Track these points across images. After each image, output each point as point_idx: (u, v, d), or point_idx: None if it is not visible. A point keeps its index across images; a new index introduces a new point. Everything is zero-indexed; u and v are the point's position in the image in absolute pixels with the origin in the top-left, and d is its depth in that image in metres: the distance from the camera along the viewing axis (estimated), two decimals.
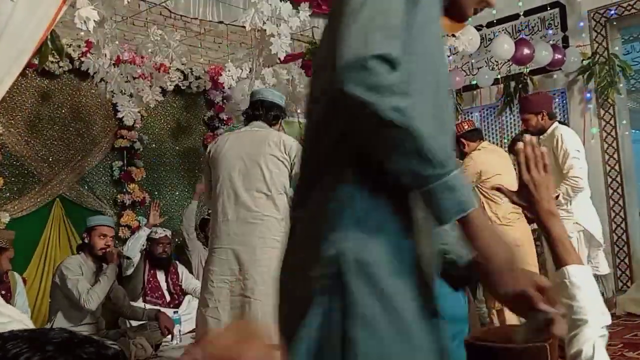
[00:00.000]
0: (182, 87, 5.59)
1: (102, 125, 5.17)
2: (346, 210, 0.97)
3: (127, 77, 4.30)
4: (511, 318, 3.28)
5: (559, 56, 5.34)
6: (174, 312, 4.34)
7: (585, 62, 5.50)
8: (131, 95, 4.52)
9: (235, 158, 2.83)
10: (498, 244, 0.92)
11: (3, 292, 3.56)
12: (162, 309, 4.41)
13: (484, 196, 3.56)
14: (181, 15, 5.75)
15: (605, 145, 5.45)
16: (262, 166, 2.79)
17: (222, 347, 0.76)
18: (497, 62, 6.24)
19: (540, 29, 5.94)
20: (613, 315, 4.03)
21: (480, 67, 6.34)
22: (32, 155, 4.74)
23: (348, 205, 0.97)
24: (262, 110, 2.92)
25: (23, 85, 4.71)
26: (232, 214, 2.79)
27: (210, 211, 3.46)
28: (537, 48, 5.21)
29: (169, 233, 4.75)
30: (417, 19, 0.97)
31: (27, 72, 4.58)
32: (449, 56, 4.19)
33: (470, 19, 1.21)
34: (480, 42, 5.19)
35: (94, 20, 2.68)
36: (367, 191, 0.97)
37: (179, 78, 5.50)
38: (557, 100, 5.76)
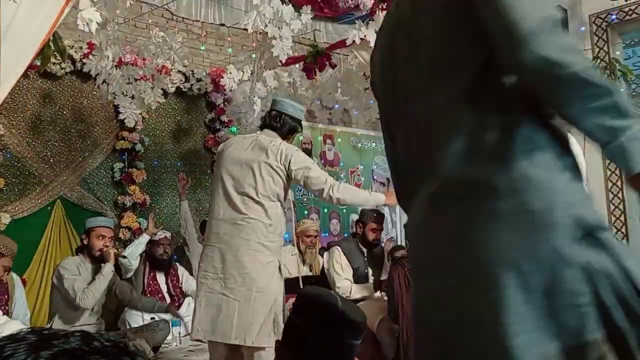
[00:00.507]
0: (184, 89, 5.59)
1: (103, 127, 5.17)
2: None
3: (128, 79, 4.31)
4: None
5: None
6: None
7: None
8: (133, 97, 4.53)
9: (233, 161, 2.90)
10: None
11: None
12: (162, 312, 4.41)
13: None
14: (183, 18, 5.76)
15: None
16: (255, 172, 2.83)
17: None
18: None
19: None
20: None
21: None
22: (33, 156, 4.75)
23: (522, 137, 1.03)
24: (280, 123, 2.98)
25: (25, 86, 4.72)
26: (222, 214, 2.84)
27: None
28: None
29: (168, 234, 4.75)
30: None
31: (29, 73, 4.59)
32: None
33: None
34: None
35: (97, 22, 2.68)
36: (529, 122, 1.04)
37: (181, 80, 5.51)
38: None
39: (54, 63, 4.62)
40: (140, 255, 4.58)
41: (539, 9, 0.97)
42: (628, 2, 5.28)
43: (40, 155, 4.79)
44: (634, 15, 5.40)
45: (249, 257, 2.77)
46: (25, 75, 3.97)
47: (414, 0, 1.19)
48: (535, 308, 0.95)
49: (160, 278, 4.67)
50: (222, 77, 5.00)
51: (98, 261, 3.77)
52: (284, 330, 1.72)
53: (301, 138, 6.68)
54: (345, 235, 6.28)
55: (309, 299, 1.74)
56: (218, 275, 2.78)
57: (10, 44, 2.30)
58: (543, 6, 0.98)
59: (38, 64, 4.11)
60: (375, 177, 7.63)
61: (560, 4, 5.79)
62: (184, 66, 5.42)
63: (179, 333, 4.18)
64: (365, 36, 3.62)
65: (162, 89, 4.68)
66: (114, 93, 4.33)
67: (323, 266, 4.52)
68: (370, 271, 4.34)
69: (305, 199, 6.68)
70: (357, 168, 7.37)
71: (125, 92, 4.40)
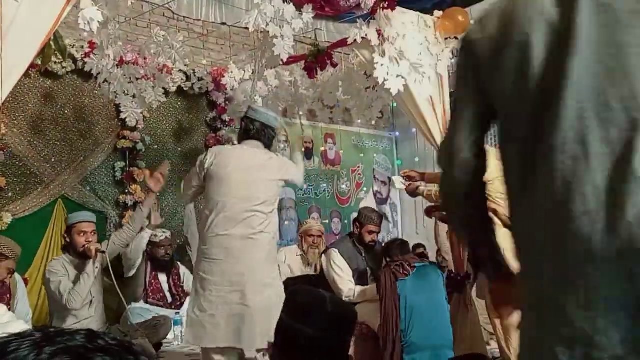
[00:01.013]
0: (185, 89, 5.59)
1: (104, 126, 5.18)
2: None
3: (130, 78, 4.30)
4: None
5: None
6: (176, 314, 4.34)
7: None
8: (134, 96, 4.52)
9: (239, 180, 3.06)
10: None
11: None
12: (164, 311, 4.42)
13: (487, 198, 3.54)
14: (184, 17, 5.76)
15: None
16: (262, 190, 3.08)
17: None
18: None
19: None
20: None
21: None
22: (34, 155, 4.75)
23: None
24: (264, 135, 3.20)
25: (26, 85, 4.72)
26: (233, 230, 3.00)
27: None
28: None
29: (168, 234, 4.75)
30: None
31: (31, 72, 4.58)
32: (451, 59, 4.19)
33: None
34: None
35: (98, 21, 2.68)
36: None
37: (182, 79, 5.51)
38: None
39: (55, 62, 4.62)
40: (142, 253, 4.59)
41: None
42: None
43: (42, 155, 4.80)
44: None
45: (262, 268, 3.01)
46: (26, 74, 3.97)
47: None
48: None
49: (162, 277, 4.68)
50: (224, 76, 5.00)
51: (84, 257, 3.65)
52: (276, 333, 1.71)
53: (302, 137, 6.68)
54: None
55: (299, 299, 1.74)
56: (235, 289, 2.95)
57: (11, 43, 2.30)
58: None
59: (39, 63, 4.11)
60: (376, 176, 7.63)
61: None
62: (185, 65, 5.41)
63: (181, 332, 4.18)
64: (366, 35, 3.61)
65: (163, 88, 4.68)
66: (115, 92, 4.32)
67: (322, 268, 4.42)
68: (369, 271, 4.25)
69: (306, 199, 6.68)
70: (358, 167, 7.37)
71: (126, 91, 4.40)
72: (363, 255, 4.22)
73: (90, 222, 3.79)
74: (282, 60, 3.50)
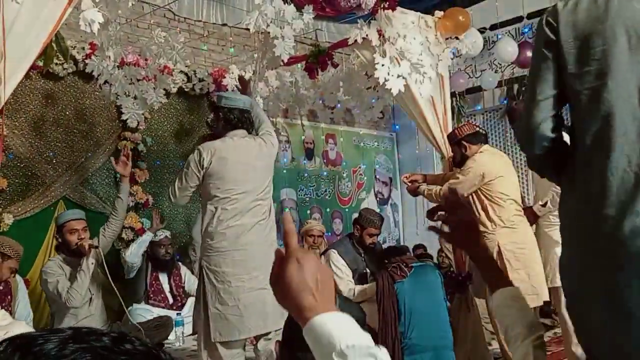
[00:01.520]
0: (186, 89, 5.59)
1: (105, 127, 5.18)
2: None
3: (131, 79, 4.30)
4: None
5: None
6: (177, 314, 4.34)
7: None
8: (135, 97, 4.53)
9: (242, 173, 3.11)
10: None
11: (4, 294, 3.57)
12: (165, 312, 4.42)
13: (487, 199, 3.55)
14: (185, 18, 5.76)
15: None
16: (263, 177, 3.18)
17: None
18: (500, 64, 6.23)
19: None
20: None
21: (484, 70, 6.34)
22: (35, 156, 4.75)
23: None
24: (246, 122, 3.25)
25: (27, 87, 4.73)
26: (244, 220, 3.06)
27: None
28: None
29: (168, 234, 4.75)
30: None
31: (32, 73, 4.59)
32: (452, 58, 4.18)
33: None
34: (484, 45, 5.19)
35: (99, 23, 2.68)
36: None
37: (183, 80, 5.52)
38: None
39: (56, 63, 4.62)
40: (142, 254, 4.59)
41: None
42: None
43: (43, 156, 4.80)
44: None
45: (271, 252, 2.94)
46: (27, 75, 3.98)
47: None
48: None
49: (163, 278, 4.68)
50: (224, 77, 4.99)
51: (78, 255, 3.66)
52: (284, 331, 1.71)
53: (303, 137, 6.68)
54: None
55: None
56: (253, 275, 2.99)
57: (12, 44, 2.30)
58: None
59: (41, 64, 4.12)
60: (377, 176, 7.63)
61: None
62: (186, 66, 5.42)
63: (182, 333, 4.18)
64: (367, 35, 3.61)
65: (164, 89, 4.68)
66: (116, 93, 4.33)
67: None
68: (368, 271, 4.25)
69: (307, 199, 6.68)
70: (359, 167, 7.37)
71: (127, 93, 4.40)
72: (362, 256, 4.23)
73: (79, 219, 3.77)
74: (282, 60, 3.50)
